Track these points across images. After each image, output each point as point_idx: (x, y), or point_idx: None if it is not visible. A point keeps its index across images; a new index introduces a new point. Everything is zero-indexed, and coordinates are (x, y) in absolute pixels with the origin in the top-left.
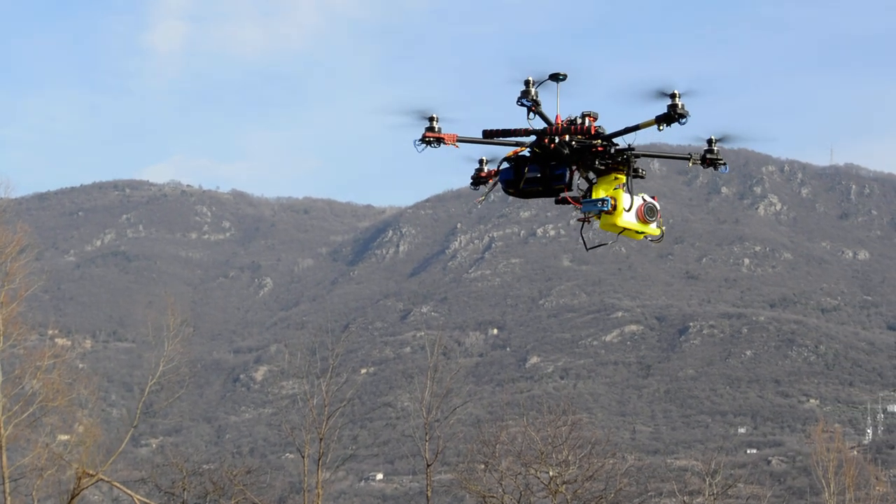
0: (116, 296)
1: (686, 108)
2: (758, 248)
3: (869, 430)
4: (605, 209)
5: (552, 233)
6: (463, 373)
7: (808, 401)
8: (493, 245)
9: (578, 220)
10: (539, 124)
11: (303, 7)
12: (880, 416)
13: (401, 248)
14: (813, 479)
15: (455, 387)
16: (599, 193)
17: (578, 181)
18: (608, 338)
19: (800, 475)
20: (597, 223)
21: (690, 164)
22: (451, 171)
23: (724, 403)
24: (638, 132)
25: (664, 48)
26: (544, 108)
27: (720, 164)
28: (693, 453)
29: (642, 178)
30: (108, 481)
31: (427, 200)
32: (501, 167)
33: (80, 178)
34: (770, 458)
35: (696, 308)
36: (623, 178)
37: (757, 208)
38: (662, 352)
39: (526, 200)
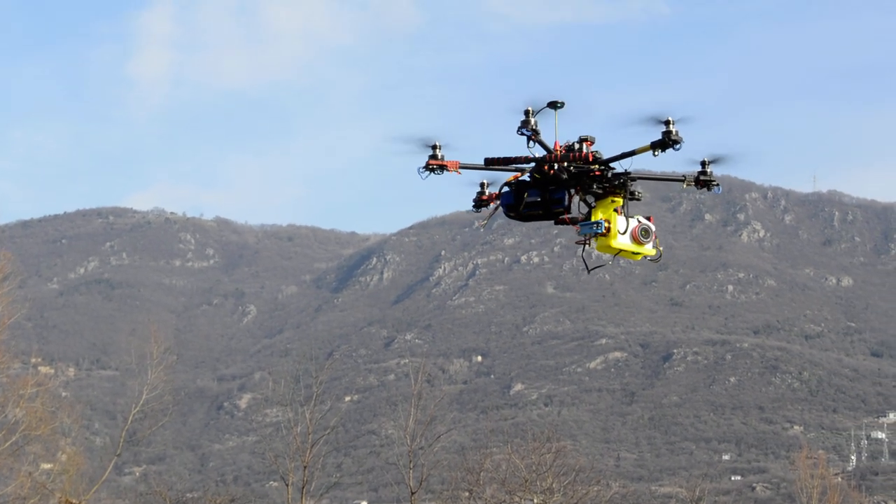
0: (100, 323)
1: (680, 135)
2: (741, 275)
3: (853, 457)
4: (600, 231)
5: (536, 260)
6: (447, 400)
7: (792, 427)
8: (478, 272)
9: (577, 242)
10: (539, 151)
11: (287, 35)
12: (864, 442)
13: (385, 276)
14: None
15: (439, 414)
16: (597, 216)
17: (578, 204)
18: (592, 365)
19: (784, 502)
20: (594, 245)
21: (685, 186)
22: (435, 198)
23: (709, 430)
24: (634, 157)
25: (651, 74)
26: (543, 135)
27: (713, 185)
28: (677, 480)
29: (639, 200)
30: None
31: (411, 228)
32: (503, 191)
33: (64, 206)
34: (754, 485)
35: (680, 335)
36: (620, 201)
37: (740, 235)
38: (646, 378)
39: (509, 227)
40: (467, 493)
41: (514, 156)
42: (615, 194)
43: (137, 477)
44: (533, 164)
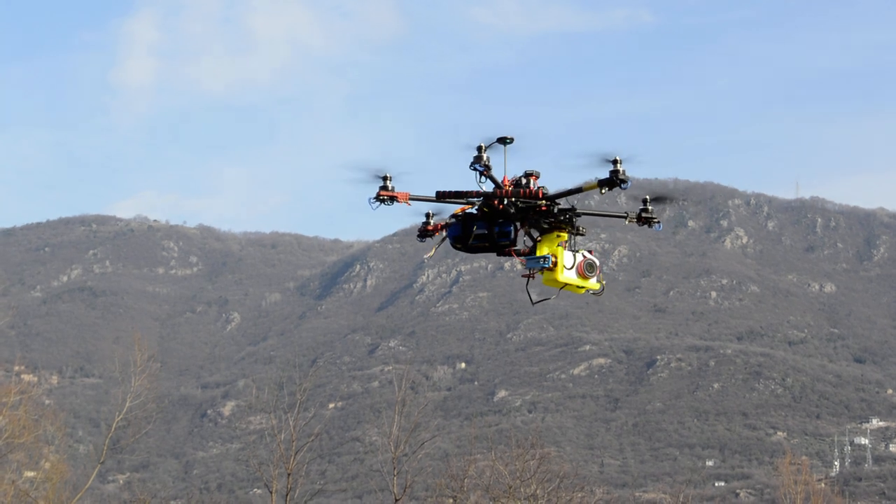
0: (83, 331)
1: (627, 174)
2: (724, 282)
3: (836, 463)
4: (547, 266)
5: (519, 266)
6: (431, 407)
7: (776, 433)
8: (461, 279)
9: (523, 276)
10: (489, 185)
11: (272, 43)
12: (847, 448)
13: (368, 283)
14: None
15: (423, 421)
16: (543, 251)
17: (524, 238)
18: (576, 371)
19: None
20: (540, 278)
21: (627, 222)
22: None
23: (692, 436)
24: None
25: (635, 82)
26: (493, 169)
27: (655, 222)
28: (661, 486)
29: (583, 235)
30: None
31: (394, 235)
32: (450, 223)
33: (47, 214)
34: (738, 491)
35: (664, 341)
36: (565, 236)
37: (724, 241)
38: (630, 385)
39: None
40: (451, 500)
41: (465, 190)
42: (560, 229)
43: (121, 485)
44: (482, 199)
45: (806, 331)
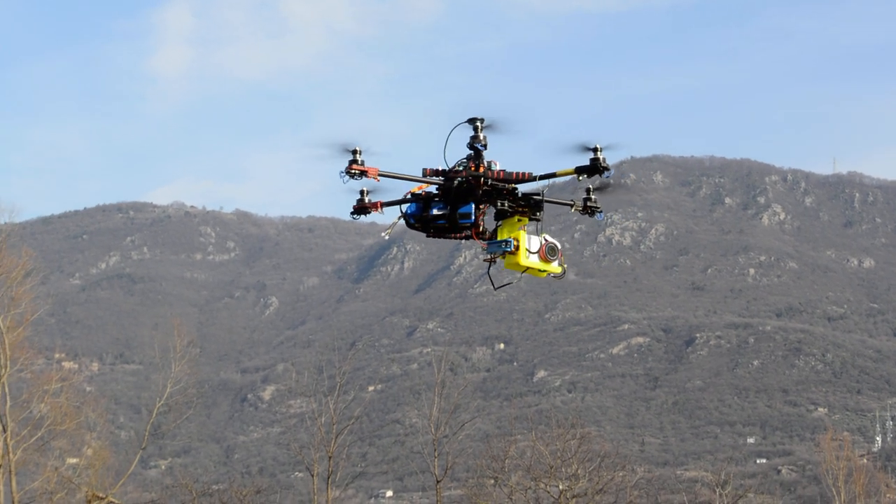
0: (122, 318)
1: (607, 162)
2: (763, 258)
3: (878, 438)
4: (509, 250)
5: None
6: (470, 388)
7: (817, 409)
8: (499, 260)
9: (484, 260)
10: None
11: (307, 27)
12: (889, 423)
13: (405, 265)
14: (823, 488)
15: (463, 402)
16: (504, 235)
17: (482, 221)
18: (615, 350)
19: (810, 484)
20: (501, 262)
21: (573, 210)
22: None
23: (733, 414)
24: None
25: (671, 60)
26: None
27: (598, 211)
28: (703, 464)
29: (539, 220)
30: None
31: None
32: (407, 203)
33: (84, 202)
34: (780, 468)
35: (703, 319)
36: (525, 220)
37: (761, 218)
38: (669, 363)
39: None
40: (492, 481)
41: (449, 168)
42: (523, 214)
43: (163, 470)
44: (442, 178)
45: (845, 306)
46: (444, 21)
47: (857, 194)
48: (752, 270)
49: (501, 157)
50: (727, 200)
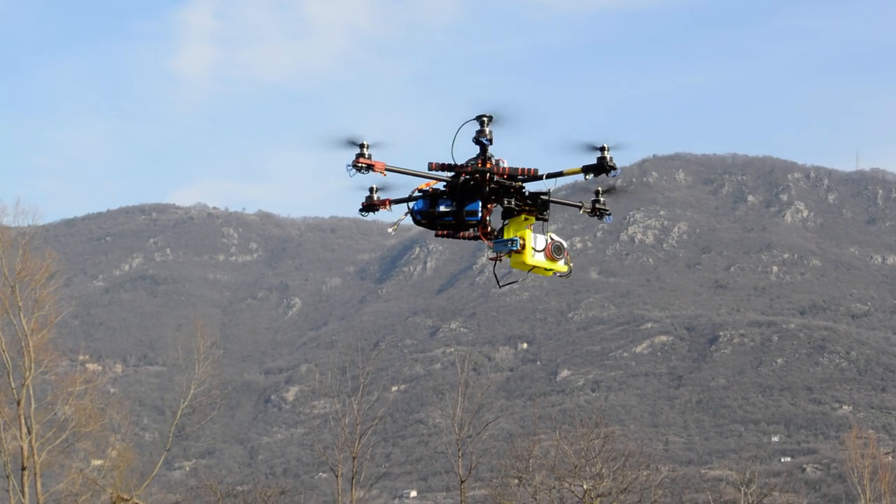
0: (146, 320)
1: (615, 161)
2: (786, 256)
3: None
4: (515, 248)
5: (579, 245)
6: (493, 388)
7: (841, 407)
8: (504, 258)
9: (490, 258)
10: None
11: (329, 28)
12: None
13: (428, 265)
14: (848, 486)
15: (486, 402)
16: (510, 233)
17: (489, 219)
18: (638, 349)
19: (835, 482)
20: (507, 261)
21: (581, 212)
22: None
23: (757, 412)
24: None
25: (692, 58)
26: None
27: (606, 213)
28: (727, 463)
29: (546, 220)
30: None
31: None
32: (414, 198)
33: (107, 204)
34: (805, 466)
35: (726, 317)
36: (532, 219)
37: (784, 216)
38: (693, 362)
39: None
40: (517, 480)
41: (457, 163)
42: (529, 212)
43: (188, 471)
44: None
45: (869, 303)
46: (463, 21)
47: (881, 191)
48: (775, 268)
49: (511, 156)
50: (750, 198)
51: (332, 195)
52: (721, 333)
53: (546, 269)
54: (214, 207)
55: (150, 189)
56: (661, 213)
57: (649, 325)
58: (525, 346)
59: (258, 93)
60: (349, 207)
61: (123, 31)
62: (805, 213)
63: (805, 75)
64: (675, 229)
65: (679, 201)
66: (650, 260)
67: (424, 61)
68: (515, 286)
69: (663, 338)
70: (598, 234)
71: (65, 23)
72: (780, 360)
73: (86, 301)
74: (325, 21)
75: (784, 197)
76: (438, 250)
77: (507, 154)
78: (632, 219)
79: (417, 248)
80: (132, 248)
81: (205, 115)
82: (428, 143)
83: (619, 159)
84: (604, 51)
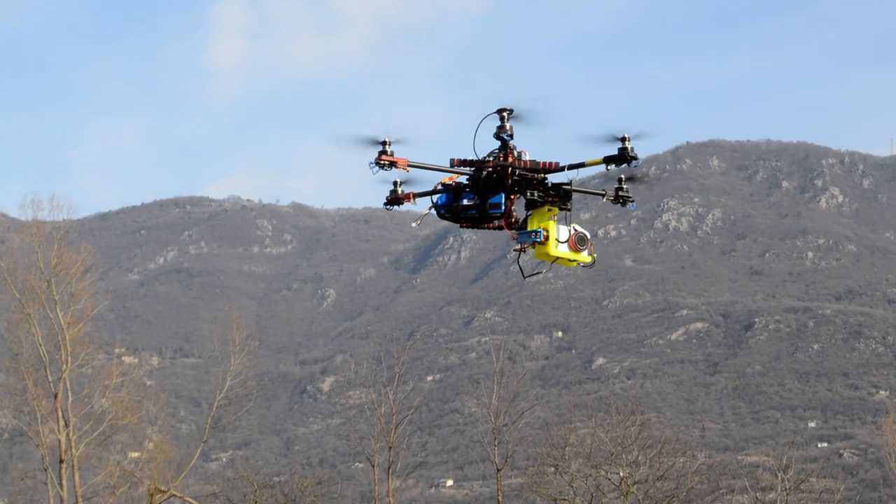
0: (181, 312)
1: (636, 152)
2: (821, 241)
3: None
4: (539, 240)
5: (613, 233)
6: (529, 376)
7: (878, 392)
8: (528, 249)
9: (514, 249)
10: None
11: (359, 19)
12: None
13: (462, 255)
14: (886, 471)
15: (522, 391)
16: (534, 225)
17: (514, 210)
18: (673, 336)
19: (872, 467)
20: (531, 252)
21: (604, 200)
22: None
23: (793, 398)
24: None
25: (726, 45)
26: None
27: (630, 201)
28: (764, 449)
29: (569, 210)
30: (180, 497)
31: None
32: (437, 193)
33: (142, 197)
34: (842, 452)
35: (761, 303)
36: (556, 210)
37: (819, 201)
38: (729, 348)
39: (585, 201)
40: (553, 469)
41: (478, 158)
42: (552, 203)
43: (224, 463)
44: (472, 168)
45: None
46: (495, 10)
47: None
48: (810, 254)
49: (535, 147)
50: (784, 184)
51: (366, 186)
52: (756, 320)
53: (570, 260)
54: (248, 199)
55: (183, 182)
56: (696, 199)
57: (684, 312)
58: (560, 334)
59: (290, 85)
60: (383, 198)
61: (157, 25)
62: (840, 199)
63: (839, 61)
64: (710, 216)
65: (713, 188)
66: (685, 247)
67: (457, 51)
68: (550, 275)
69: (699, 325)
70: (633, 221)
71: (98, 19)
72: (816, 346)
73: (121, 294)
74: (353, 12)
75: (819, 182)
76: (472, 240)
77: (531, 145)
78: (666, 206)
79: (451, 238)
80: (167, 241)
81: (237, 107)
82: (456, 133)
83: (647, 148)
84: (636, 38)
